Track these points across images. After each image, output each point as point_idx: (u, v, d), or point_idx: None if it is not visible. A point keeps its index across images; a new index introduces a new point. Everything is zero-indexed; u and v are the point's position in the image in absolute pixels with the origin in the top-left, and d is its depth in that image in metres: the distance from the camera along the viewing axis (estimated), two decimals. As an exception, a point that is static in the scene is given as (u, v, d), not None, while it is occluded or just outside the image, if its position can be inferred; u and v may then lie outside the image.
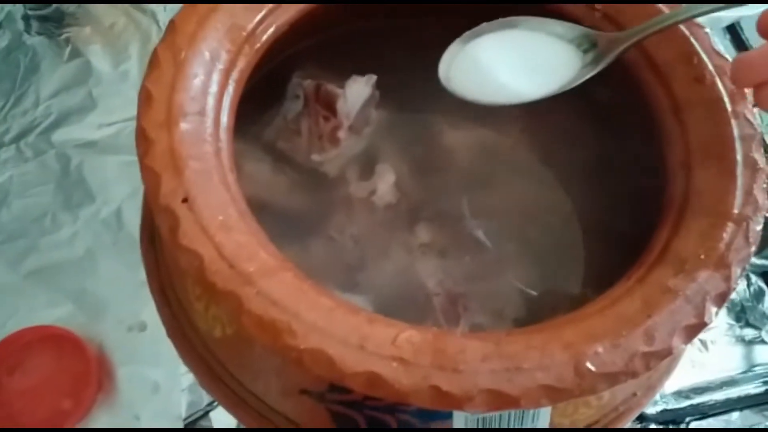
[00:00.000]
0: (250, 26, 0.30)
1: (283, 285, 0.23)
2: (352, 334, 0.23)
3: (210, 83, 0.28)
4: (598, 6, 0.33)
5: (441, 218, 0.35)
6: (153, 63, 0.27)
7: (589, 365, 0.23)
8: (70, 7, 0.62)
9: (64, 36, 0.60)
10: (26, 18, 0.61)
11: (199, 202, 0.24)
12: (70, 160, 0.54)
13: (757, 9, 0.48)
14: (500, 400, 0.22)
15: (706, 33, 0.31)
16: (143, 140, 0.25)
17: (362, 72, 0.37)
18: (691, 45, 0.31)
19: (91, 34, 0.61)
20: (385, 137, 0.37)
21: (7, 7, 0.61)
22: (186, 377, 0.45)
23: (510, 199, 0.36)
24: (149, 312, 0.48)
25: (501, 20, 0.31)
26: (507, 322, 0.32)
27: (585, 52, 0.30)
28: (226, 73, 0.29)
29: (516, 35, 0.31)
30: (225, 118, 0.28)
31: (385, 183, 0.35)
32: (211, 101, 0.27)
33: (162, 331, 0.47)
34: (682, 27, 0.31)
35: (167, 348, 0.46)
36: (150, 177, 0.24)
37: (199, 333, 0.29)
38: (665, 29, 0.29)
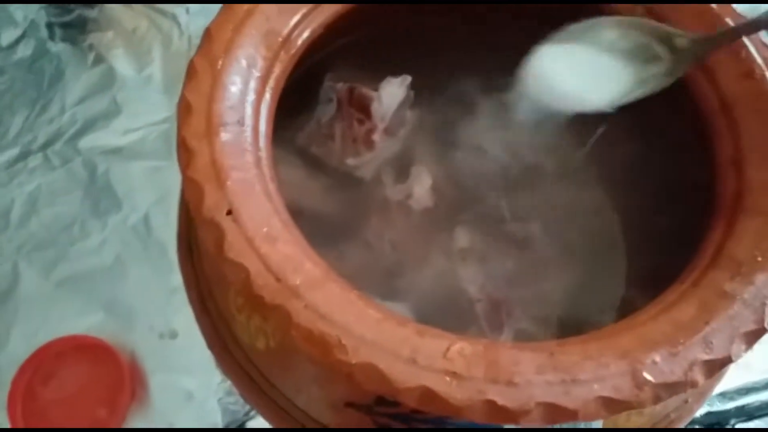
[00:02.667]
0: (286, 31, 0.29)
1: (330, 297, 0.23)
2: (403, 347, 0.22)
3: (247, 92, 0.27)
4: (651, 6, 0.32)
5: (480, 221, 0.34)
6: (191, 73, 0.26)
7: (647, 375, 0.22)
8: (93, 13, 0.62)
9: (87, 42, 0.60)
10: (50, 25, 0.61)
11: (243, 214, 0.24)
12: (96, 167, 0.54)
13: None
14: (557, 413, 0.21)
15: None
16: (185, 151, 0.25)
17: (395, 73, 0.36)
18: (739, 39, 0.30)
19: (114, 39, 0.61)
20: (420, 139, 0.37)
21: (31, 14, 0.61)
22: (221, 386, 0.44)
23: (550, 200, 0.35)
24: (180, 319, 0.49)
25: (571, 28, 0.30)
26: (552, 327, 0.31)
27: (647, 62, 0.29)
28: (263, 81, 0.28)
29: (579, 47, 0.30)
30: (263, 127, 0.27)
31: (421, 186, 0.35)
32: (249, 110, 0.27)
33: (194, 338, 0.46)
34: (728, 19, 0.30)
35: (199, 356, 0.46)
36: (193, 189, 0.24)
37: (240, 344, 0.28)
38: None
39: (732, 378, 0.44)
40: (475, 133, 0.37)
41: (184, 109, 0.26)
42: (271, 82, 0.28)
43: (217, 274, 0.28)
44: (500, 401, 0.21)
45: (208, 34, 0.28)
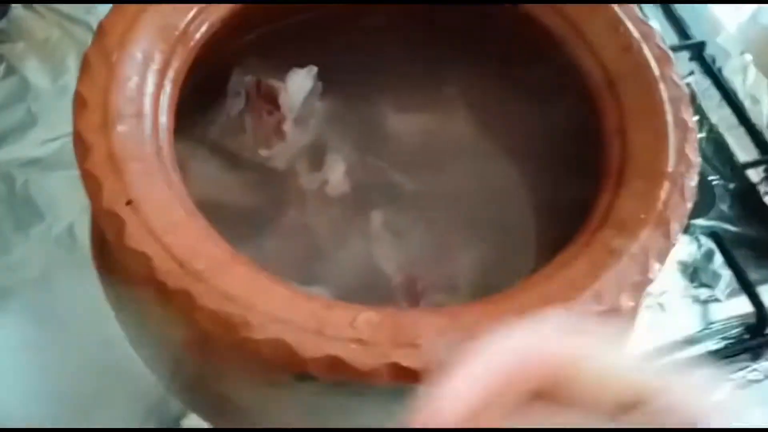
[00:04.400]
0: (182, 25, 0.30)
1: (236, 279, 0.23)
2: (310, 320, 0.23)
3: (145, 84, 0.27)
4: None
5: (394, 203, 0.35)
6: (84, 67, 0.27)
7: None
8: (2, 24, 0.60)
9: (-3, 54, 0.58)
10: (-44, 38, 0.59)
11: (143, 204, 0.24)
12: (15, 180, 0.53)
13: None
14: (459, 370, 0.22)
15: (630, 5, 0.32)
16: (81, 145, 0.25)
17: (304, 63, 0.37)
18: (617, 14, 0.32)
19: (25, 49, 0.59)
20: (332, 127, 0.37)
21: (-67, 27, 0.59)
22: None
23: (459, 178, 0.37)
24: (111, 330, 0.48)
25: None
26: (465, 299, 0.32)
27: None
28: (161, 74, 0.28)
29: None
30: (164, 119, 0.28)
31: (336, 173, 0.35)
32: (147, 102, 0.27)
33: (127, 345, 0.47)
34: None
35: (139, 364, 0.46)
36: (91, 182, 0.24)
37: (161, 340, 0.29)
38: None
39: (649, 339, 0.47)
40: (385, 118, 0.38)
41: (78, 102, 0.26)
42: (171, 74, 0.28)
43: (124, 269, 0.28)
44: (404, 363, 0.22)
45: (101, 29, 0.28)
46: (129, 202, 0.24)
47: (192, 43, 0.30)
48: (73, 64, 0.58)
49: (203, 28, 0.31)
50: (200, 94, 0.34)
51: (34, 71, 0.58)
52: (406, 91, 0.38)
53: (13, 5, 0.61)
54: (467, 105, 0.38)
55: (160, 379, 0.30)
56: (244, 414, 0.29)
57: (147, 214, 0.24)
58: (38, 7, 0.61)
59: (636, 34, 0.31)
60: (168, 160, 0.26)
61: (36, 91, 0.57)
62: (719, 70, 0.57)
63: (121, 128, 0.25)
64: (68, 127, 0.54)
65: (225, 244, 0.25)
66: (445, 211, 0.35)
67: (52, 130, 0.55)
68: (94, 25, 0.59)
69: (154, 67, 0.28)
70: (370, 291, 0.33)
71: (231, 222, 0.35)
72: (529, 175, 0.36)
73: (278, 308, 0.23)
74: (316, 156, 0.36)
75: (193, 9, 0.30)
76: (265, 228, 0.35)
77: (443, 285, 0.32)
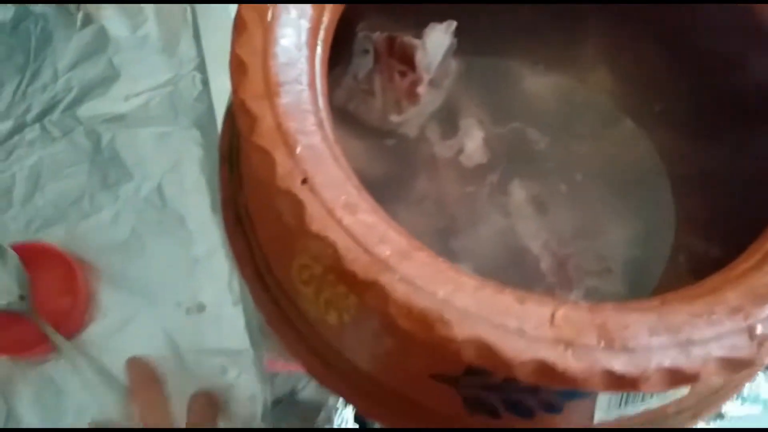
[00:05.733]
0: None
1: (422, 267, 0.21)
2: (508, 317, 0.21)
3: (300, 45, 0.25)
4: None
5: (535, 174, 0.32)
6: (239, 26, 0.24)
7: (764, 331, 0.21)
8: (75, -30, 0.57)
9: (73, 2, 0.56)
10: (29, -16, 0.56)
11: (318, 183, 0.22)
12: (100, 137, 0.51)
13: None
14: (678, 377, 0.20)
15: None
16: (246, 116, 0.22)
17: (429, 17, 0.34)
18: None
19: (101, -4, 0.56)
20: (465, 89, 0.35)
21: (7, -26, 0.56)
22: (256, 358, 0.43)
23: (601, 147, 0.34)
24: (206, 292, 0.47)
25: None
26: (617, 281, 0.30)
27: None
28: (314, 33, 0.26)
29: None
30: (320, 84, 0.25)
31: (473, 141, 0.33)
32: (305, 67, 0.25)
33: (222, 310, 0.46)
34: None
35: (229, 328, 0.45)
36: (262, 157, 0.22)
37: (308, 320, 0.27)
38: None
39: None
40: (520, 78, 0.35)
41: (237, 68, 0.23)
42: (322, 34, 0.26)
43: (278, 247, 0.26)
44: (619, 369, 0.20)
45: (252, -15, 0.25)
46: (305, 181, 0.22)
47: (339, -2, 0.27)
48: (151, 14, 0.56)
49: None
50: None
51: (112, 21, 0.55)
52: (542, 48, 0.35)
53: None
54: (609, 65, 0.35)
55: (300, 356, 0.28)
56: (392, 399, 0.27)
57: (324, 195, 0.22)
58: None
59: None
60: (330, 131, 0.24)
61: (116, 43, 0.54)
62: None
63: (285, 96, 0.23)
64: (151, 81, 0.53)
65: (400, 227, 0.23)
66: (589, 182, 0.33)
67: (136, 84, 0.53)
68: (172, -28, 0.57)
69: (307, 25, 0.25)
70: (514, 271, 0.31)
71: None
72: (673, 149, 0.33)
73: (472, 302, 0.21)
74: (449, 121, 0.34)
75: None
76: (396, 200, 0.33)
77: (595, 268, 0.30)
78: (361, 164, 0.33)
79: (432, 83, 0.33)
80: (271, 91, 0.23)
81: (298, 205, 0.21)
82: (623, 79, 0.35)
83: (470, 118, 0.33)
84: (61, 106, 0.52)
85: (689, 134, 0.33)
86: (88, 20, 0.55)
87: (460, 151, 0.33)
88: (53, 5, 0.55)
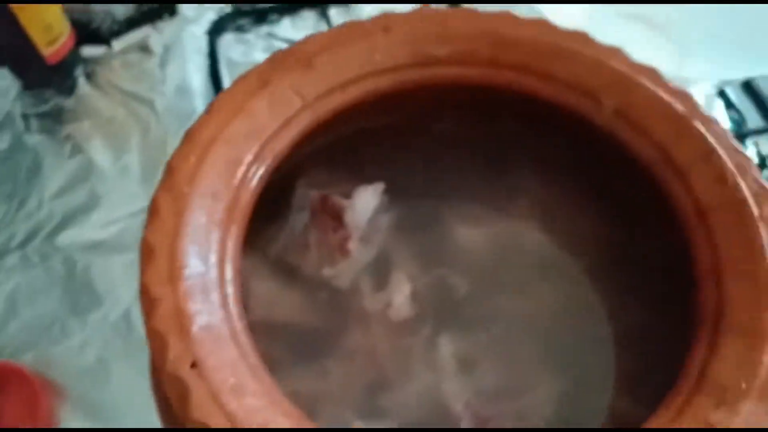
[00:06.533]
0: (250, 157, 0.29)
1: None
2: None
3: (212, 226, 0.27)
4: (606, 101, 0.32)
5: (464, 329, 0.33)
6: (153, 212, 0.26)
7: None
8: (69, 103, 0.62)
9: (64, 133, 0.60)
10: (25, 117, 0.60)
11: (208, 365, 0.23)
12: (75, 263, 0.53)
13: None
14: None
15: (725, 130, 0.30)
16: (147, 300, 0.24)
17: (370, 171, 0.36)
18: (708, 142, 0.29)
19: (91, 128, 0.60)
20: (397, 242, 0.36)
21: (6, 107, 0.61)
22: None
23: (533, 300, 0.34)
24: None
25: None
26: (539, 442, 0.30)
27: None
28: (230, 212, 0.27)
29: None
30: (230, 259, 0.27)
31: (400, 294, 0.34)
32: (214, 244, 0.26)
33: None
34: (697, 123, 0.30)
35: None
36: (156, 341, 0.23)
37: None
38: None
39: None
40: (453, 231, 0.37)
41: (145, 252, 0.25)
42: (238, 214, 0.28)
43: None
44: None
45: (169, 169, 0.27)
46: (194, 365, 0.23)
47: (262, 172, 0.29)
48: (135, 145, 0.59)
49: (270, 157, 0.30)
50: (263, 205, 0.33)
51: (98, 150, 0.59)
52: (474, 203, 0.37)
53: (81, 83, 0.62)
54: (540, 220, 0.36)
55: None
56: None
57: (211, 378, 0.23)
58: (104, 85, 0.62)
59: (730, 165, 0.28)
60: (234, 307, 0.25)
61: (99, 172, 0.57)
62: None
63: (188, 277, 0.25)
64: (128, 209, 0.56)
65: (289, 406, 0.24)
66: (519, 338, 0.33)
67: (113, 212, 0.55)
68: (157, 104, 0.61)
69: (221, 205, 0.27)
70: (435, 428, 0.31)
71: (292, 343, 0.33)
72: (609, 301, 0.34)
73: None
74: (381, 274, 0.35)
75: (262, 138, 0.29)
76: (327, 350, 0.33)
77: (515, 425, 0.30)
78: (295, 316, 0.34)
79: (363, 238, 0.35)
80: (174, 275, 0.24)
81: (184, 390, 0.22)
82: (556, 231, 0.36)
83: (399, 271, 0.35)
84: (43, 234, 0.54)
85: (631, 293, 0.33)
86: (76, 150, 0.59)
87: (389, 304, 0.34)
88: (45, 136, 0.59)
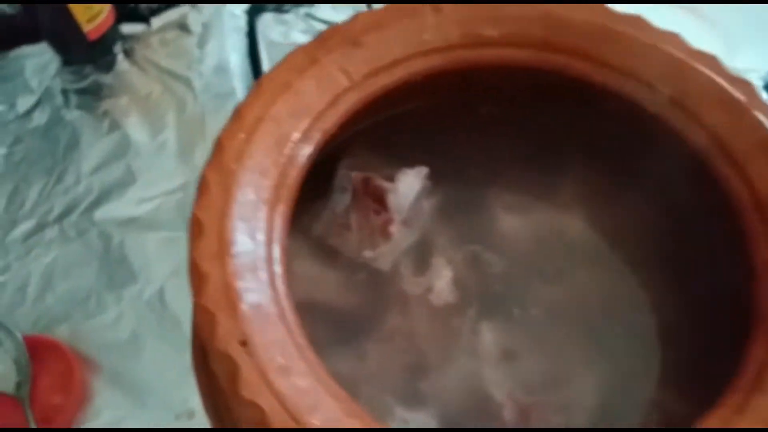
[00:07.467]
0: (297, 135, 0.29)
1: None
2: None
3: (260, 204, 0.26)
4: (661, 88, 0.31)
5: (506, 317, 0.33)
6: (202, 189, 0.26)
7: None
8: (107, 79, 0.62)
9: (102, 109, 0.60)
10: (65, 92, 0.61)
11: (256, 343, 0.23)
12: (111, 239, 0.53)
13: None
14: None
15: (785, 119, 0.28)
16: (196, 276, 0.24)
17: (413, 155, 0.35)
18: (769, 132, 0.28)
19: (129, 104, 0.61)
20: (439, 229, 0.36)
21: (46, 81, 0.61)
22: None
23: (575, 288, 0.34)
24: (198, 399, 0.47)
25: None
26: (582, 434, 0.30)
27: None
28: (276, 191, 0.27)
29: None
30: (278, 239, 0.26)
31: (442, 280, 0.33)
32: (261, 222, 0.26)
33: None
34: (757, 112, 0.29)
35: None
36: (204, 318, 0.23)
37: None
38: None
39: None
40: (495, 218, 0.36)
41: (195, 228, 0.25)
42: (284, 192, 0.27)
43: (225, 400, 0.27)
44: None
45: (219, 145, 0.27)
46: (243, 343, 0.23)
47: (309, 152, 0.29)
48: (172, 121, 0.59)
49: (317, 135, 0.29)
50: (306, 184, 0.33)
51: (135, 127, 0.59)
52: (518, 189, 0.36)
53: (119, 59, 0.63)
54: (584, 207, 0.36)
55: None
56: None
57: (260, 356, 0.22)
58: (142, 62, 0.63)
59: (793, 158, 0.27)
60: (281, 286, 0.25)
61: (136, 148, 0.58)
62: None
63: (236, 254, 0.24)
64: (164, 186, 0.56)
65: (337, 388, 0.23)
66: (561, 327, 0.33)
67: (149, 189, 0.56)
68: (195, 82, 0.61)
69: (269, 183, 0.27)
70: (476, 417, 0.30)
71: (332, 323, 0.33)
72: (655, 292, 0.33)
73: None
74: (422, 258, 0.35)
75: (310, 116, 0.29)
76: (367, 332, 0.33)
77: (559, 419, 0.30)
78: (335, 297, 0.34)
79: (405, 222, 0.34)
80: (223, 251, 0.24)
81: (233, 368, 0.22)
82: (600, 221, 0.35)
83: (441, 257, 0.34)
84: (80, 209, 0.55)
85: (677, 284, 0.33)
86: (113, 126, 0.59)
87: (430, 289, 0.33)
88: (84, 112, 0.60)
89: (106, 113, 0.60)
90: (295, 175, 0.28)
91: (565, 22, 0.31)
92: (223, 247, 0.24)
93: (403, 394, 0.31)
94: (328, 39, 0.30)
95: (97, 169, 0.57)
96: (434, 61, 0.31)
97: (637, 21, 0.31)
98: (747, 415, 0.23)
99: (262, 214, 0.26)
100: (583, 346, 0.32)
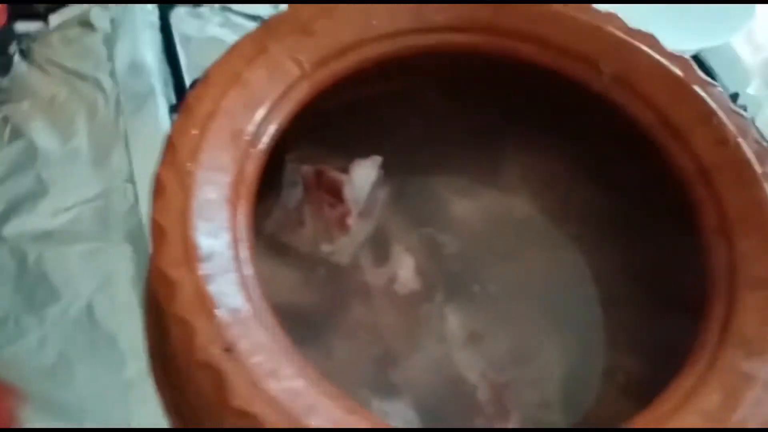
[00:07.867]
0: (251, 128, 0.27)
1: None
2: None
3: (222, 202, 0.25)
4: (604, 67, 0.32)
5: (470, 301, 0.33)
6: (158, 191, 0.24)
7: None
8: (4, 82, 0.57)
9: (1, 115, 0.55)
10: (-44, 99, 0.55)
11: (240, 349, 0.22)
12: (26, 255, 0.49)
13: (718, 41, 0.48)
14: None
15: (721, 92, 0.30)
16: (164, 284, 0.22)
17: (361, 145, 0.35)
18: (708, 105, 0.30)
19: (31, 109, 0.56)
20: (393, 216, 0.35)
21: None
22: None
23: (535, 269, 0.35)
24: (139, 418, 0.45)
25: None
26: (555, 409, 0.30)
27: None
28: (236, 187, 0.26)
29: None
30: (244, 238, 0.25)
31: (405, 269, 0.33)
32: (226, 222, 0.25)
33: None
34: (696, 87, 0.31)
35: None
36: (181, 328, 0.21)
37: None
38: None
39: None
40: (449, 202, 0.36)
41: (156, 234, 0.23)
42: (243, 189, 0.26)
43: (204, 414, 0.25)
44: None
45: (170, 144, 0.25)
46: (227, 349, 0.21)
47: (263, 149, 0.27)
48: (82, 125, 0.55)
49: (272, 129, 0.28)
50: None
51: (41, 133, 0.54)
52: (467, 173, 0.36)
53: (16, 61, 0.57)
54: (530, 187, 0.36)
55: None
56: None
57: (247, 362, 0.21)
58: (42, 63, 0.58)
59: (731, 127, 0.29)
60: (254, 288, 0.24)
61: (45, 156, 0.53)
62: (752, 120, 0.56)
63: (205, 258, 0.23)
64: (81, 195, 0.52)
65: (335, 389, 0.22)
66: (520, 304, 0.33)
67: (64, 199, 0.52)
68: (103, 83, 0.57)
69: (228, 179, 0.25)
70: (452, 402, 0.30)
71: (295, 323, 0.32)
72: (605, 263, 0.34)
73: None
74: (380, 248, 0.34)
75: (263, 108, 0.28)
76: (334, 328, 0.32)
77: (532, 394, 0.30)
78: (293, 295, 0.33)
79: (362, 214, 0.34)
80: (190, 255, 0.23)
81: (218, 377, 0.21)
82: (547, 201, 0.36)
83: (400, 245, 0.34)
84: (-14, 226, 0.50)
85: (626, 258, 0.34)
86: (16, 134, 0.54)
87: (393, 278, 0.33)
88: (-21, 120, 0.54)
89: (5, 119, 0.55)
90: (252, 170, 0.27)
91: (511, 6, 0.31)
92: (190, 251, 0.23)
93: (378, 386, 0.30)
94: (275, 26, 0.29)
95: (1, 181, 0.52)
96: (384, 47, 0.31)
97: (579, 3, 0.32)
98: (719, 369, 0.24)
99: (225, 213, 0.25)
100: (543, 321, 0.33)
